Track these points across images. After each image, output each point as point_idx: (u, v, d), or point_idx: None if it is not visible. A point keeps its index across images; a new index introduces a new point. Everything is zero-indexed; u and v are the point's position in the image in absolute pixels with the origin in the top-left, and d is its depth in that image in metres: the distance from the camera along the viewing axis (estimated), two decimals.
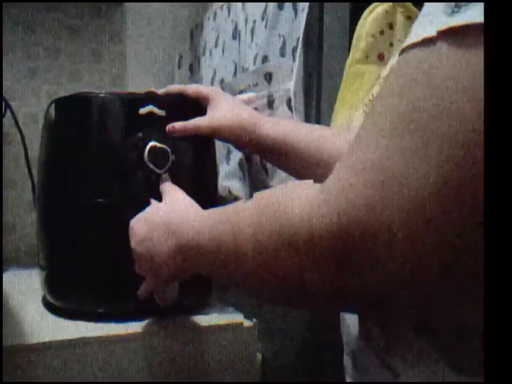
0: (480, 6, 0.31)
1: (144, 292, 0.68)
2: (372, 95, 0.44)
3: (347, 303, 0.40)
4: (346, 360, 0.53)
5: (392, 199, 0.33)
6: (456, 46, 0.32)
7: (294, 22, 0.82)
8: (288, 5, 0.84)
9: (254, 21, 0.94)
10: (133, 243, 0.65)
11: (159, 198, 0.70)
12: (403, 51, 0.36)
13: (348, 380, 0.53)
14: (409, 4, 0.77)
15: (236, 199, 0.98)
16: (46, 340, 0.69)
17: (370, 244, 0.33)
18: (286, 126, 0.75)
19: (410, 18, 0.77)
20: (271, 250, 0.40)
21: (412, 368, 0.45)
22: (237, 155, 0.97)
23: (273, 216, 0.40)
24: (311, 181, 0.41)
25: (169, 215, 0.61)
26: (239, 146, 0.83)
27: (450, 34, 0.32)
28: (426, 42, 0.33)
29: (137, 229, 0.65)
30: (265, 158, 0.83)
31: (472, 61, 0.31)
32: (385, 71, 0.77)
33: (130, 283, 0.67)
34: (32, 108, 1.22)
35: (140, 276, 0.66)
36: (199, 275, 0.56)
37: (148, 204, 0.69)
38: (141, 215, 0.66)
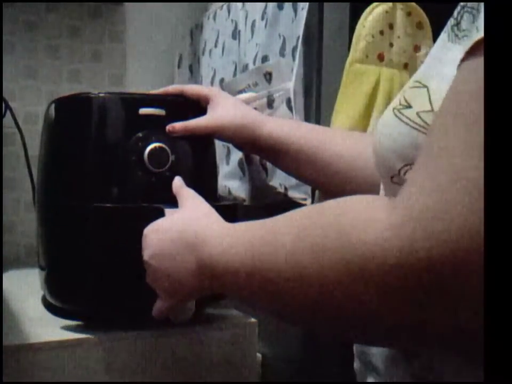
0: None
1: (159, 312, 0.62)
2: (404, 98, 0.43)
3: (418, 340, 0.35)
4: (360, 369, 0.52)
5: None
6: None
7: (294, 22, 0.82)
8: (288, 5, 0.84)
9: (254, 21, 0.94)
10: (147, 256, 0.60)
11: (160, 199, 0.69)
12: (473, 50, 0.32)
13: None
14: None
15: (235, 199, 0.98)
16: (46, 340, 0.69)
17: (470, 276, 0.29)
18: (287, 126, 0.75)
19: (410, 15, 0.77)
20: (330, 280, 0.35)
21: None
22: (237, 155, 0.97)
23: (334, 241, 0.35)
24: (375, 197, 0.37)
25: (189, 227, 0.55)
26: (239, 146, 0.83)
27: None
28: None
29: (152, 240, 0.59)
30: (266, 158, 0.83)
31: None
32: (386, 70, 0.77)
33: (131, 284, 0.67)
34: (32, 108, 1.22)
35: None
36: None
37: (149, 203, 0.68)
38: (156, 225, 0.61)
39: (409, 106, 0.42)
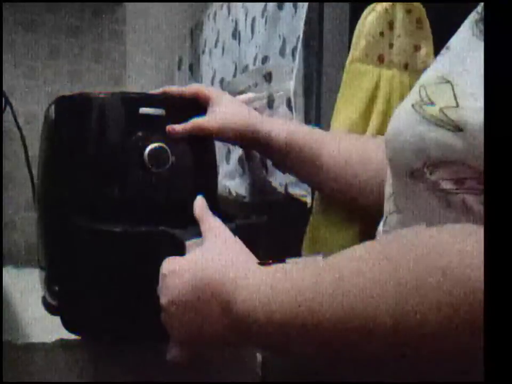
0: None
1: (177, 359, 0.56)
2: (427, 95, 0.42)
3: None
4: None
5: None
6: None
7: (294, 22, 0.82)
8: (288, 5, 0.84)
9: (254, 18, 0.94)
10: (164, 301, 0.53)
11: (160, 200, 0.69)
12: None
13: None
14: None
15: (235, 198, 0.98)
16: (46, 340, 0.69)
17: None
18: (287, 127, 0.75)
19: (410, 12, 0.77)
20: (435, 331, 0.32)
21: None
22: (237, 154, 0.97)
23: (433, 282, 0.32)
24: (466, 227, 0.34)
25: (215, 271, 0.48)
26: (240, 145, 0.84)
27: None
28: None
29: (171, 284, 0.52)
30: (267, 158, 0.83)
31: None
32: (386, 70, 0.77)
33: (133, 286, 0.66)
34: (32, 108, 1.22)
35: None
36: None
37: (148, 202, 0.68)
38: (176, 265, 0.53)
39: (432, 103, 0.41)
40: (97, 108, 0.75)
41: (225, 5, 1.07)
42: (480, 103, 0.37)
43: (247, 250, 0.51)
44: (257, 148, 0.78)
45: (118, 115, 0.75)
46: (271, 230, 0.70)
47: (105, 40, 1.28)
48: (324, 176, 0.72)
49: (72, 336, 0.69)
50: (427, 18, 0.77)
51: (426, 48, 0.77)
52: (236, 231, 0.56)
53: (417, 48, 0.78)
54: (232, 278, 0.46)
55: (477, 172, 0.38)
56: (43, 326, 0.73)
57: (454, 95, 0.40)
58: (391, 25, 0.76)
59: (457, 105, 0.39)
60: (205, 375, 0.75)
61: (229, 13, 1.05)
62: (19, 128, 1.10)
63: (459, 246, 0.32)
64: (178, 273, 0.52)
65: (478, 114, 0.37)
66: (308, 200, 0.80)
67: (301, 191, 0.81)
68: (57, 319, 0.76)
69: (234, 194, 0.98)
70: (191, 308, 0.49)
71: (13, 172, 1.21)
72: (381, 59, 0.76)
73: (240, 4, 1.00)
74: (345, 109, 0.77)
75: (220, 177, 0.97)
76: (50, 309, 0.79)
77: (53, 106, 0.79)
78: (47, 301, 0.80)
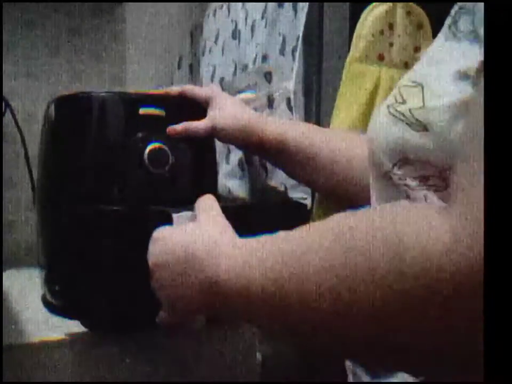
0: None
1: (164, 323, 0.59)
2: (401, 96, 0.44)
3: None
4: (353, 366, 0.53)
5: None
6: None
7: (294, 21, 0.82)
8: (288, 4, 0.84)
9: (254, 20, 0.94)
10: (151, 262, 0.56)
11: (160, 200, 0.69)
12: None
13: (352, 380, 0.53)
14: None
15: (235, 198, 0.98)
16: (46, 339, 0.69)
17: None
18: (286, 127, 0.75)
19: (410, 14, 0.77)
20: (391, 299, 0.33)
21: None
22: (236, 154, 0.97)
23: (396, 254, 0.33)
24: (428, 206, 0.36)
25: (199, 243, 0.51)
26: (239, 147, 0.83)
27: None
28: None
29: (157, 249, 0.56)
30: (265, 159, 0.83)
31: None
32: (386, 70, 0.77)
33: (132, 287, 0.67)
34: (32, 108, 1.22)
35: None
36: None
37: (148, 203, 0.68)
38: (165, 233, 0.56)
39: (403, 103, 0.43)
40: (97, 107, 0.75)
41: (225, 5, 1.07)
42: (445, 103, 0.39)
43: (232, 229, 0.54)
44: (256, 149, 0.78)
45: (118, 115, 0.75)
46: (271, 231, 0.70)
47: (105, 40, 1.28)
48: (323, 174, 0.72)
49: (72, 336, 0.70)
50: (427, 20, 0.78)
51: (426, 49, 0.77)
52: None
53: (417, 49, 0.78)
54: (213, 249, 0.49)
55: (439, 170, 0.40)
56: (43, 326, 0.73)
57: (423, 96, 0.41)
58: (391, 26, 0.76)
59: (424, 106, 0.41)
60: (205, 375, 0.75)
61: (228, 13, 1.06)
62: (19, 128, 1.10)
63: (415, 225, 0.34)
64: (166, 239, 0.55)
65: (443, 114, 0.39)
66: (308, 203, 0.80)
67: (301, 194, 0.81)
68: (57, 319, 0.76)
69: (234, 195, 0.98)
70: (174, 273, 0.52)
71: (13, 172, 1.21)
72: (380, 57, 0.77)
73: (240, 5, 1.00)
74: (345, 109, 0.77)
75: (219, 177, 0.97)
76: (50, 307, 0.79)
77: (52, 106, 0.79)
78: (46, 299, 0.80)
